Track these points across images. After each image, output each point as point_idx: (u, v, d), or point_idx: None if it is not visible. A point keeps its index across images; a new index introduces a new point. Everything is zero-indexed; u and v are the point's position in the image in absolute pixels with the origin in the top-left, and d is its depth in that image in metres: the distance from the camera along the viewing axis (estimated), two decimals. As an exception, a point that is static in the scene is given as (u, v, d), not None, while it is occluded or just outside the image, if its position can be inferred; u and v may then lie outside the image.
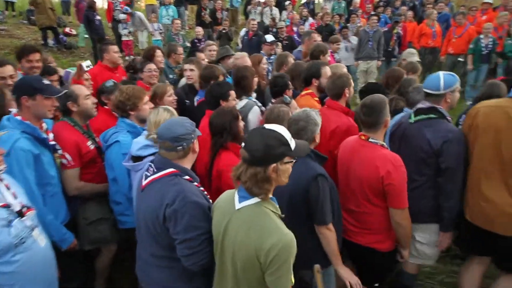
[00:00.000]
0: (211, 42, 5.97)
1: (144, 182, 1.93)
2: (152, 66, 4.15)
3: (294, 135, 2.20)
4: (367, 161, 2.30)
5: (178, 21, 9.11)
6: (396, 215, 2.31)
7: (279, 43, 7.03)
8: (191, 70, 4.01)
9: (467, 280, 2.70)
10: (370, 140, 2.33)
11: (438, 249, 2.65)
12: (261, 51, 5.79)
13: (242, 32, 9.29)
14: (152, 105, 2.91)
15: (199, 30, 8.64)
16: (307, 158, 2.19)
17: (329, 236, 2.19)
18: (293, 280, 1.59)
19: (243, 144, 1.60)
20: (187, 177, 1.88)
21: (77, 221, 2.80)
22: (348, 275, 2.24)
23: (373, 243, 2.39)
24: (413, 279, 2.86)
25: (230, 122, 2.54)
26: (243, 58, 4.35)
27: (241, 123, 2.63)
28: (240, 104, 3.34)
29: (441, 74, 2.54)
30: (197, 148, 1.95)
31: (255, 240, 1.53)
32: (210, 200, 1.93)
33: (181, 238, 1.76)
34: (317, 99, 3.42)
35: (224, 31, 9.40)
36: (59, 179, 2.63)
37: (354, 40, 8.28)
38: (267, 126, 1.63)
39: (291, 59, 4.41)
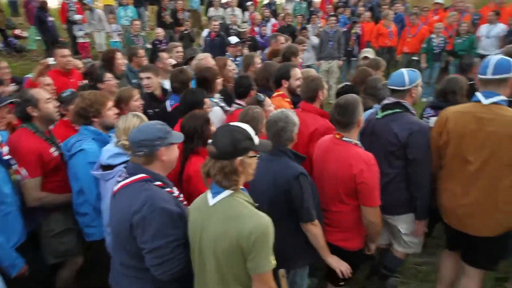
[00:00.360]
0: (176, 43, 5.84)
1: (115, 188, 1.90)
2: (109, 74, 3.93)
3: (274, 136, 2.28)
4: (341, 159, 2.35)
5: (138, 22, 8.85)
6: (368, 213, 2.37)
7: (245, 44, 7.02)
8: (148, 78, 3.90)
9: (446, 267, 2.81)
10: (344, 139, 2.39)
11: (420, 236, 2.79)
12: (226, 53, 5.76)
13: (205, 32, 9.19)
14: (117, 111, 2.80)
15: (160, 31, 8.46)
16: (286, 158, 2.26)
17: (315, 231, 2.28)
18: (273, 262, 1.66)
19: (210, 140, 1.67)
20: (158, 182, 1.84)
21: (39, 234, 2.65)
22: (338, 263, 2.36)
23: (339, 240, 2.46)
24: (400, 263, 3.02)
25: (201, 126, 2.52)
26: (206, 59, 4.29)
27: (213, 128, 2.60)
28: None
29: (404, 71, 2.66)
30: (167, 157, 1.86)
31: (234, 228, 1.60)
32: (186, 207, 1.90)
33: (149, 247, 1.71)
34: (288, 100, 3.44)
35: (186, 32, 9.26)
36: (15, 196, 2.47)
37: (315, 40, 8.46)
38: (233, 123, 1.73)
39: (257, 60, 4.42)
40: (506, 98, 2.31)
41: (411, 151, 2.52)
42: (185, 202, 1.97)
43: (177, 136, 1.95)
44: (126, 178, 1.85)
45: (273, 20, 10.21)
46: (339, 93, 3.52)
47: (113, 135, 2.43)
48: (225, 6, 11.51)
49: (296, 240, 2.32)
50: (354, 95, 2.49)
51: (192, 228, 1.77)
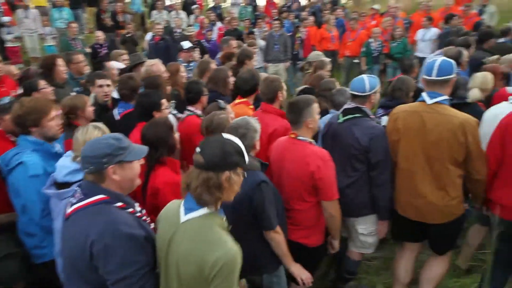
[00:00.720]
0: (121, 51, 5.61)
1: (68, 210, 1.66)
2: (43, 82, 3.61)
3: None
4: (298, 158, 2.43)
5: (75, 25, 8.33)
6: (328, 207, 2.48)
7: (197, 49, 6.90)
8: (108, 85, 3.71)
9: (401, 266, 2.93)
10: (299, 137, 2.47)
11: (377, 237, 2.91)
12: (179, 58, 5.63)
13: (148, 36, 8.91)
14: (61, 121, 2.60)
15: (100, 34, 8.08)
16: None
17: (277, 238, 2.28)
18: None
19: (198, 149, 1.57)
20: (119, 203, 1.65)
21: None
22: (299, 272, 2.37)
23: (300, 238, 2.53)
24: (357, 265, 3.12)
25: (165, 134, 2.40)
26: (157, 66, 4.15)
27: (177, 135, 2.52)
28: None
29: (365, 77, 2.77)
30: (120, 176, 1.64)
31: (199, 253, 1.51)
32: (151, 225, 1.77)
33: (114, 278, 1.53)
34: (252, 107, 3.44)
35: (128, 35, 8.89)
36: None
37: (262, 43, 8.56)
38: (225, 135, 1.64)
39: (213, 66, 4.34)
40: (448, 97, 2.52)
41: (374, 155, 2.62)
42: (148, 220, 1.81)
43: (135, 152, 1.71)
44: (81, 199, 1.63)
45: (219, 24, 10.18)
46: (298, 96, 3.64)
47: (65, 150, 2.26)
48: (169, 9, 11.27)
49: (263, 246, 2.32)
50: (308, 96, 2.59)
51: (160, 240, 1.65)
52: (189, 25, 9.50)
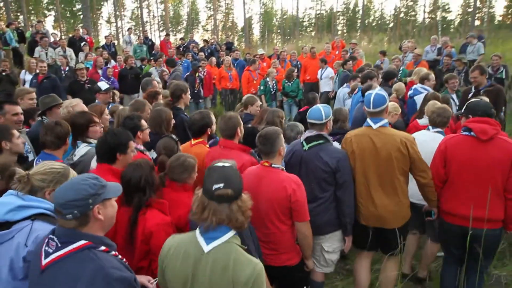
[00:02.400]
0: (29, 89, 4.89)
1: (44, 261, 1.51)
2: None
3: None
4: (274, 183, 2.60)
5: None
6: (302, 228, 2.65)
7: (116, 91, 6.40)
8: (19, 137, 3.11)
9: (361, 272, 3.26)
10: (273, 165, 2.66)
11: (339, 254, 3.17)
12: (96, 100, 5.16)
13: (23, 74, 7.97)
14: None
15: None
16: None
17: None
18: None
19: (219, 185, 1.64)
20: (102, 247, 1.56)
21: None
22: None
23: (285, 261, 2.69)
24: (322, 286, 3.26)
25: (151, 176, 2.36)
26: (80, 106, 3.80)
27: (155, 175, 2.47)
28: (80, 152, 2.95)
29: (321, 107, 3.06)
30: (104, 215, 1.59)
31: (231, 276, 1.60)
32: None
33: None
34: (208, 146, 3.47)
35: (4, 73, 7.78)
36: None
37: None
38: (226, 164, 1.77)
39: (148, 108, 4.04)
40: (387, 121, 3.06)
41: (341, 175, 2.89)
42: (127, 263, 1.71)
43: (113, 189, 1.66)
44: (59, 248, 1.50)
45: (113, 62, 9.73)
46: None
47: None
48: (53, 45, 10.36)
49: None
50: (275, 127, 2.84)
51: (178, 275, 1.69)
52: (80, 62, 8.82)
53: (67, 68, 9.09)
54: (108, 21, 46.46)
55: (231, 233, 1.68)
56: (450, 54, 8.88)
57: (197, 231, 1.71)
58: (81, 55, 10.09)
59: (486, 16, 37.62)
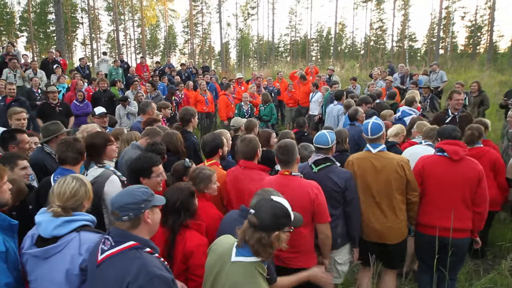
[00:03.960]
0: (19, 109, 4.75)
1: (100, 257, 1.82)
2: None
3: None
4: (298, 189, 2.81)
5: None
6: (324, 229, 2.88)
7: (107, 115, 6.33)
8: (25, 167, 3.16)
9: (364, 282, 3.51)
10: (292, 174, 2.92)
11: (349, 265, 3.41)
12: (95, 124, 5.15)
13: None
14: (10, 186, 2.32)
15: None
16: None
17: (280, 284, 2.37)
18: None
19: (252, 211, 1.88)
20: (148, 249, 1.83)
21: None
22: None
23: (304, 263, 2.82)
24: None
25: (187, 200, 2.50)
26: (95, 129, 3.95)
27: (196, 200, 2.60)
28: (94, 173, 2.94)
29: (326, 132, 3.35)
30: (151, 220, 1.88)
31: None
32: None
33: None
34: (221, 167, 3.64)
35: (-31, 95, 7.51)
36: None
37: (133, 106, 8.34)
38: (275, 198, 1.95)
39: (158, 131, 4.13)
40: (385, 146, 3.39)
41: (349, 193, 3.17)
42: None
43: (160, 198, 1.98)
44: (113, 246, 1.80)
45: (85, 85, 9.60)
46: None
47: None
48: (24, 67, 10.13)
49: None
50: (289, 139, 3.11)
51: (209, 268, 2.02)
52: (52, 85, 8.65)
53: (39, 90, 8.90)
54: (83, 43, 46.10)
55: (256, 259, 1.86)
56: (416, 82, 9.40)
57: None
58: (53, 78, 9.92)
59: (449, 46, 40.07)
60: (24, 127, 4.53)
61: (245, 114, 9.04)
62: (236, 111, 9.04)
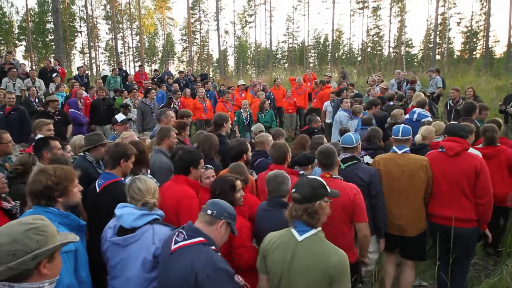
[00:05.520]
0: (48, 120, 4.96)
1: (173, 246, 2.13)
2: None
3: (274, 189, 2.84)
4: (340, 190, 2.84)
5: None
6: (364, 228, 3.07)
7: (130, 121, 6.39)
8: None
9: (389, 267, 3.88)
10: (334, 176, 3.15)
11: (378, 253, 3.77)
12: (114, 132, 5.23)
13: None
14: (81, 188, 2.51)
15: None
16: (283, 209, 2.44)
17: None
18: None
19: (293, 190, 2.20)
20: (213, 247, 2.11)
21: None
22: None
23: (348, 258, 3.00)
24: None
25: (227, 191, 2.80)
26: (132, 137, 4.09)
27: (238, 194, 2.88)
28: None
29: (351, 133, 3.76)
30: (220, 232, 2.19)
31: (323, 260, 2.07)
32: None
33: None
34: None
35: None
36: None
37: (133, 113, 8.35)
38: (310, 176, 2.32)
39: (173, 133, 4.25)
40: (409, 148, 3.73)
41: (374, 188, 3.47)
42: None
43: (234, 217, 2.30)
44: (186, 239, 2.11)
45: (84, 94, 9.61)
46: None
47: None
48: (22, 76, 10.15)
49: None
50: (329, 144, 3.40)
51: (277, 265, 2.19)
52: (51, 94, 8.66)
53: (37, 100, 8.90)
54: (82, 52, 46.23)
55: (318, 228, 2.13)
56: (414, 88, 9.45)
57: (291, 227, 2.19)
58: (52, 86, 9.93)
59: (445, 51, 40.38)
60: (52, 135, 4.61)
61: (244, 121, 9.05)
62: (235, 118, 9.06)
